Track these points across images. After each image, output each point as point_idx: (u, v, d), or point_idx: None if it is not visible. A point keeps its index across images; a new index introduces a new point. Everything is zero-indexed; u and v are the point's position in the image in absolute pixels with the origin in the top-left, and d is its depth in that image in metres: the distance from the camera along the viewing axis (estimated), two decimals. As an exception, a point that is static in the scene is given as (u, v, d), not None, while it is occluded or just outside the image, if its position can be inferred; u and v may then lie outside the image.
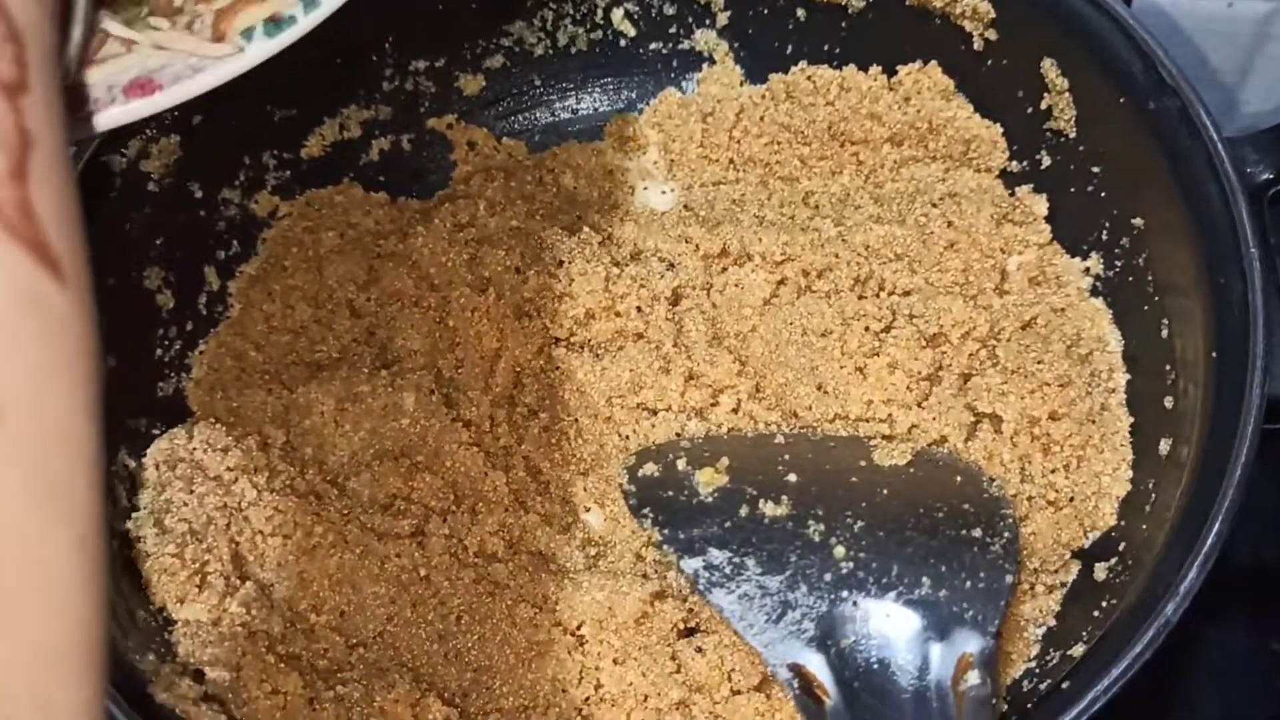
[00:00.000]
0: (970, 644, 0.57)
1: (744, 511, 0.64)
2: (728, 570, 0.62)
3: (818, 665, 0.58)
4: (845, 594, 0.60)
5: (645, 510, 0.66)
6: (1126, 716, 0.76)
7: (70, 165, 0.35)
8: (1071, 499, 0.68)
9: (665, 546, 0.65)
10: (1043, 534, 0.67)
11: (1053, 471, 0.69)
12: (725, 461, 0.67)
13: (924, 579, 0.59)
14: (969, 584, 0.59)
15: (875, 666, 0.57)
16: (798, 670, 0.58)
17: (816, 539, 0.62)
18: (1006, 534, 0.62)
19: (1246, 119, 0.71)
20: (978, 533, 0.62)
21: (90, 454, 0.31)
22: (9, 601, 0.29)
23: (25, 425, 0.29)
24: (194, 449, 0.74)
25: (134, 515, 0.70)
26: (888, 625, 0.58)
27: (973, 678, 0.56)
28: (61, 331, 0.31)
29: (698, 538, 0.63)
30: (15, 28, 0.33)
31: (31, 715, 0.28)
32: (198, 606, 0.66)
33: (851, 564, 0.61)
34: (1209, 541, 0.55)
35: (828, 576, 0.60)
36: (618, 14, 0.87)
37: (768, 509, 0.64)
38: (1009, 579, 0.60)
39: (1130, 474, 0.68)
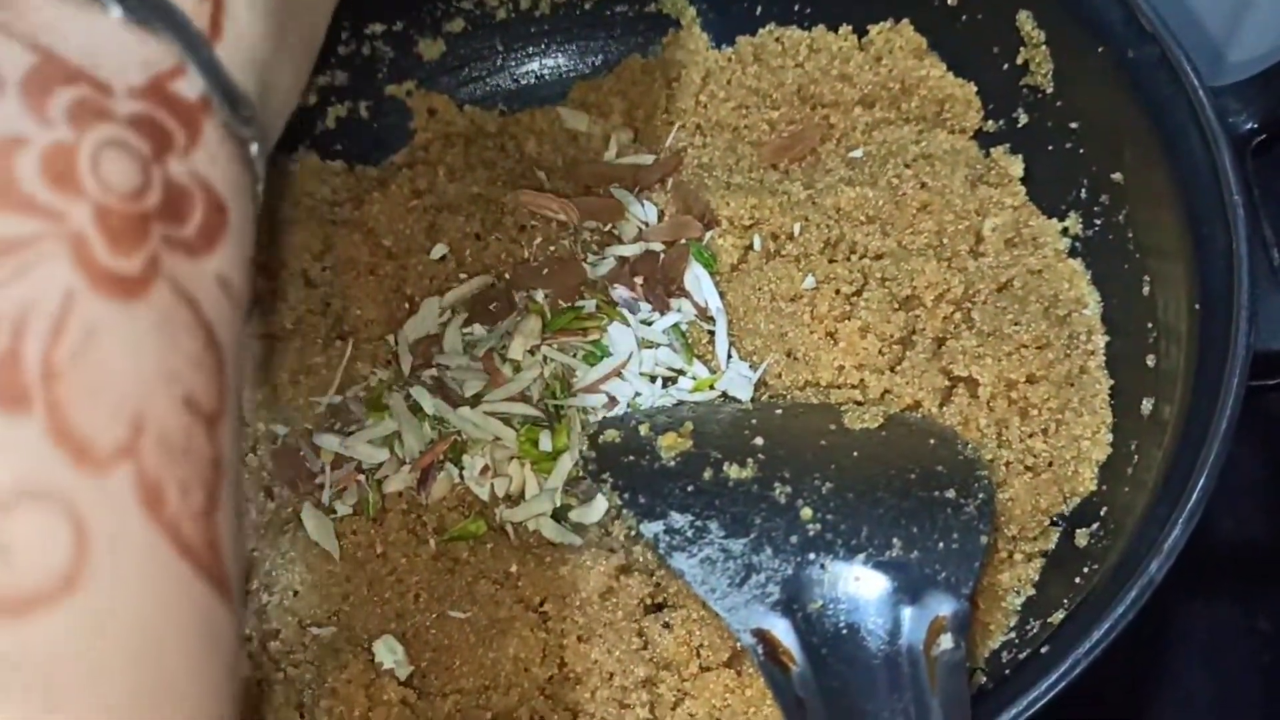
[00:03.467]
0: (943, 607, 0.54)
1: (707, 475, 0.62)
2: (689, 534, 0.59)
3: (783, 630, 0.55)
4: (812, 556, 0.57)
5: (605, 475, 0.64)
6: (1113, 696, 0.74)
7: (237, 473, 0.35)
8: (1050, 464, 0.66)
9: (625, 511, 0.62)
10: (1021, 500, 0.64)
11: (1030, 436, 0.66)
12: (689, 426, 0.65)
13: (895, 540, 0.57)
14: (941, 545, 0.57)
15: (844, 631, 0.54)
16: (762, 636, 0.55)
17: (783, 501, 0.60)
18: (981, 495, 0.59)
19: (1233, 72, 0.69)
20: (951, 494, 0.60)
21: None
22: None
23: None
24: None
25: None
26: (857, 588, 0.56)
27: (945, 641, 0.53)
28: (221, 641, 0.31)
29: (659, 501, 0.61)
30: (218, 348, 0.32)
31: None
32: (141, 585, 0.64)
33: (819, 526, 0.58)
34: (1194, 497, 0.52)
35: (794, 539, 0.58)
36: (582, -25, 0.85)
37: (732, 472, 0.62)
38: (983, 540, 0.58)
39: (1110, 437, 0.66)
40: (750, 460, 0.62)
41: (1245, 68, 0.67)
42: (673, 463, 0.63)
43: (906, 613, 0.54)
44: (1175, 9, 0.76)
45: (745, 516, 0.59)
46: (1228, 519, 0.81)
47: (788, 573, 0.57)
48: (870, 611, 0.55)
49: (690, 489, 0.61)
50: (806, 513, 0.59)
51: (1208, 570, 0.78)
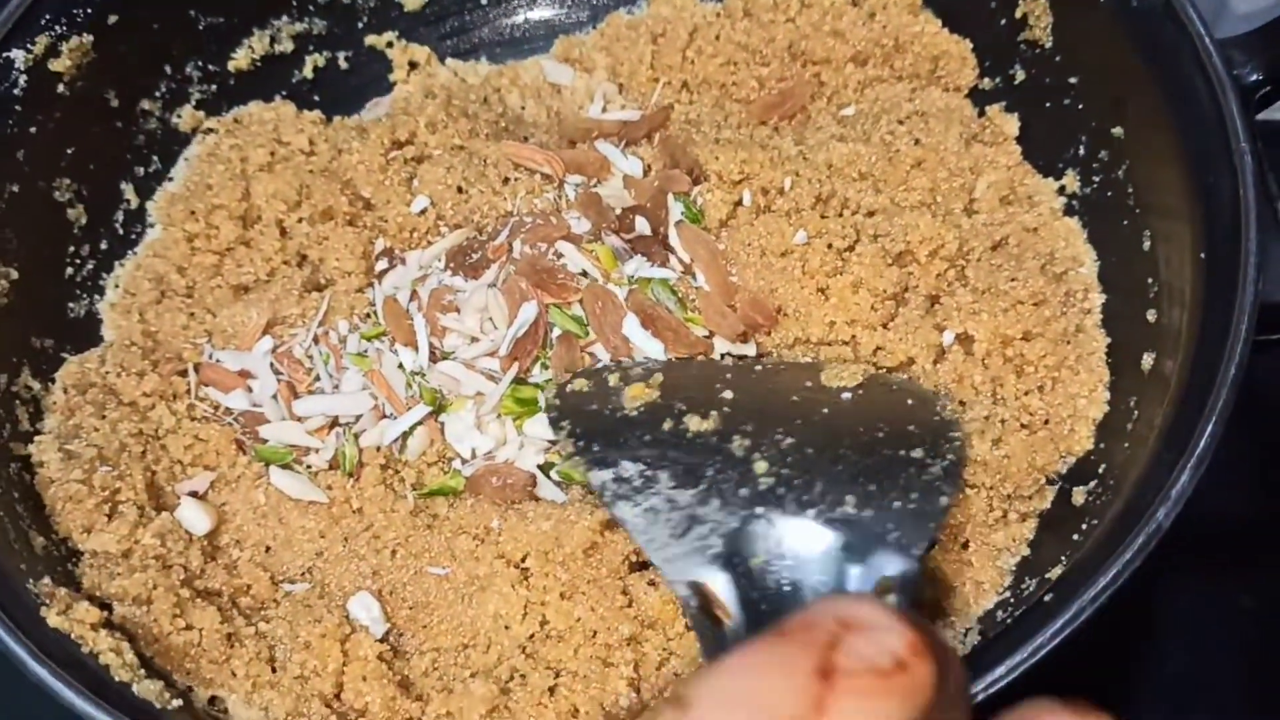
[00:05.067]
0: (890, 567, 0.52)
1: (667, 425, 0.60)
2: (638, 483, 0.57)
3: (721, 584, 0.53)
4: (760, 510, 0.55)
5: (563, 422, 0.62)
6: (1093, 674, 0.73)
7: None
8: (1046, 421, 0.64)
9: (575, 459, 0.60)
10: (1016, 457, 0.63)
11: (1026, 393, 0.65)
12: (658, 378, 0.63)
13: (848, 497, 0.55)
14: (898, 504, 0.55)
15: (786, 588, 0.52)
16: (697, 589, 0.53)
17: (739, 454, 0.58)
18: (950, 456, 0.57)
19: (1237, 24, 0.67)
20: (918, 453, 0.57)
21: None
22: None
23: None
24: (107, 373, 0.69)
25: (37, 439, 0.65)
26: (803, 544, 0.53)
27: (890, 602, 0.51)
28: None
29: (612, 450, 0.59)
30: None
31: None
32: (106, 536, 0.61)
33: (772, 480, 0.56)
34: (1201, 444, 0.51)
35: (744, 492, 0.56)
36: (569, -76, 0.83)
37: (692, 423, 0.60)
38: (944, 500, 0.55)
39: (1107, 395, 0.64)
40: (714, 412, 0.60)
41: (1249, 20, 0.65)
42: (635, 413, 0.61)
43: (853, 571, 0.52)
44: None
45: (698, 468, 0.57)
46: (1209, 497, 0.79)
47: (732, 526, 0.54)
48: (814, 569, 0.52)
49: (647, 439, 0.59)
50: (761, 466, 0.57)
51: (1190, 547, 0.77)
